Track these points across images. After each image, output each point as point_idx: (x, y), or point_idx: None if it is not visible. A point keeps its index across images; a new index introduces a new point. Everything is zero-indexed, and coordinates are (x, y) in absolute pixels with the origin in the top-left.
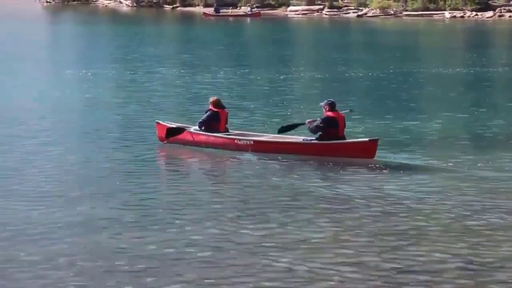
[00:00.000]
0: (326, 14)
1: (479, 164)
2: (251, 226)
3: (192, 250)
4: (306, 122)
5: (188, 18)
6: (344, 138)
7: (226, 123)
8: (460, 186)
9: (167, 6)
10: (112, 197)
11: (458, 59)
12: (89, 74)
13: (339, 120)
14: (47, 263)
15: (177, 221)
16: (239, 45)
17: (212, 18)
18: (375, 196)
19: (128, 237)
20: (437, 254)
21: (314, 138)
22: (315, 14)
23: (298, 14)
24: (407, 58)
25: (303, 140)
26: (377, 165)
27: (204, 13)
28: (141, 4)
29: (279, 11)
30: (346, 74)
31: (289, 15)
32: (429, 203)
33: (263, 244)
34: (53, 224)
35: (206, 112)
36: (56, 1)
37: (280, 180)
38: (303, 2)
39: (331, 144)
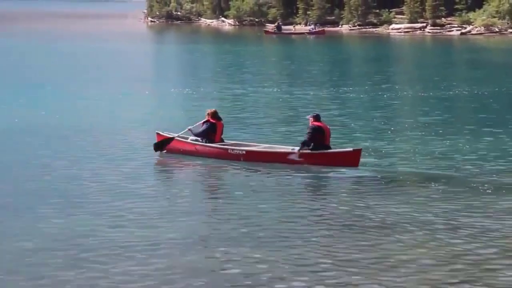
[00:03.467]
0: (428, 32)
1: None
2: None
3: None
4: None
5: (288, 37)
6: (330, 147)
7: (222, 134)
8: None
9: (268, 24)
10: (215, 212)
11: None
12: (194, 93)
13: (324, 129)
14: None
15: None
16: (337, 62)
17: (274, 35)
18: (363, 206)
19: (223, 254)
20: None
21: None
22: (417, 32)
23: (400, 32)
24: None
25: (292, 149)
26: (361, 174)
27: (265, 31)
28: (243, 23)
29: (381, 29)
30: (450, 92)
31: (391, 33)
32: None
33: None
34: (153, 241)
35: (204, 124)
36: (160, 21)
37: (273, 190)
38: (406, 20)
39: (317, 153)
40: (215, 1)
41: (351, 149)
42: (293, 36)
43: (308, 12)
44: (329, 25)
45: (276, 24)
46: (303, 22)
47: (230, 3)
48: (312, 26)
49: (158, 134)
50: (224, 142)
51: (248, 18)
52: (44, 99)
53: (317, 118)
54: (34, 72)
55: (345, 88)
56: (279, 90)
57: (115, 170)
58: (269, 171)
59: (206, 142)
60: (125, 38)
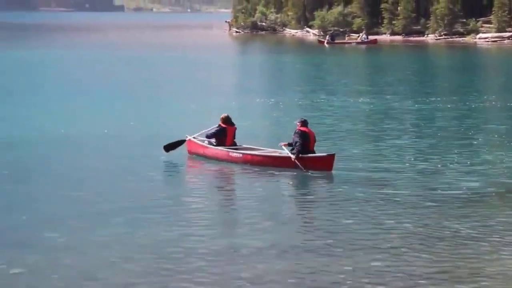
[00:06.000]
0: None
1: None
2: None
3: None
4: (280, 144)
5: (375, 46)
6: (314, 152)
7: (234, 138)
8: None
9: (353, 34)
10: (294, 222)
11: None
12: (280, 103)
13: (310, 135)
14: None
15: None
16: (418, 72)
17: (326, 45)
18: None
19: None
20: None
21: (287, 151)
22: (505, 41)
23: (488, 41)
24: None
25: (279, 154)
26: (335, 177)
27: (319, 41)
28: (328, 33)
29: (468, 39)
30: None
31: (478, 43)
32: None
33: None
34: (233, 250)
35: (217, 127)
36: (245, 31)
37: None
38: (493, 29)
39: (292, 157)
40: (299, 12)
41: (325, 154)
42: (346, 45)
43: (393, 22)
44: (414, 35)
45: (330, 33)
46: (388, 32)
47: (315, 13)
48: (364, 36)
49: (187, 138)
50: (237, 145)
51: (332, 28)
52: (133, 110)
53: (304, 123)
54: (121, 82)
55: (427, 99)
56: (364, 101)
57: (189, 179)
58: (261, 173)
59: (216, 145)
60: (210, 48)
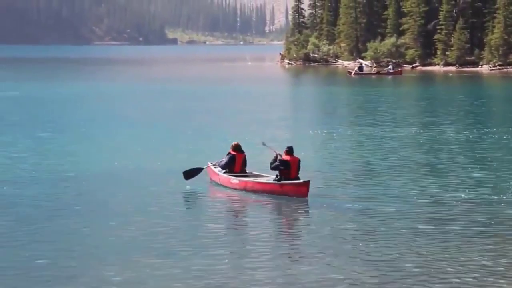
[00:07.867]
0: None
1: None
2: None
3: None
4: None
5: (427, 77)
6: (298, 179)
7: (243, 165)
8: None
9: (406, 65)
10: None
11: None
12: (334, 134)
13: (292, 163)
14: None
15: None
16: (475, 103)
17: (354, 76)
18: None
19: None
20: None
21: (273, 178)
22: None
23: None
24: None
25: (265, 181)
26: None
27: (348, 71)
28: (381, 64)
29: None
30: None
31: None
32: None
33: None
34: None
35: (227, 155)
36: (298, 63)
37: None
38: None
39: (273, 184)
40: (352, 43)
41: (301, 180)
42: (373, 76)
43: (447, 53)
44: (468, 65)
45: (358, 65)
46: (441, 63)
47: (368, 44)
48: (390, 67)
49: (208, 165)
50: (246, 172)
51: (385, 59)
52: (185, 142)
53: (288, 151)
54: (174, 115)
55: (482, 130)
56: (418, 131)
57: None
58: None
59: (226, 172)
60: (263, 80)
